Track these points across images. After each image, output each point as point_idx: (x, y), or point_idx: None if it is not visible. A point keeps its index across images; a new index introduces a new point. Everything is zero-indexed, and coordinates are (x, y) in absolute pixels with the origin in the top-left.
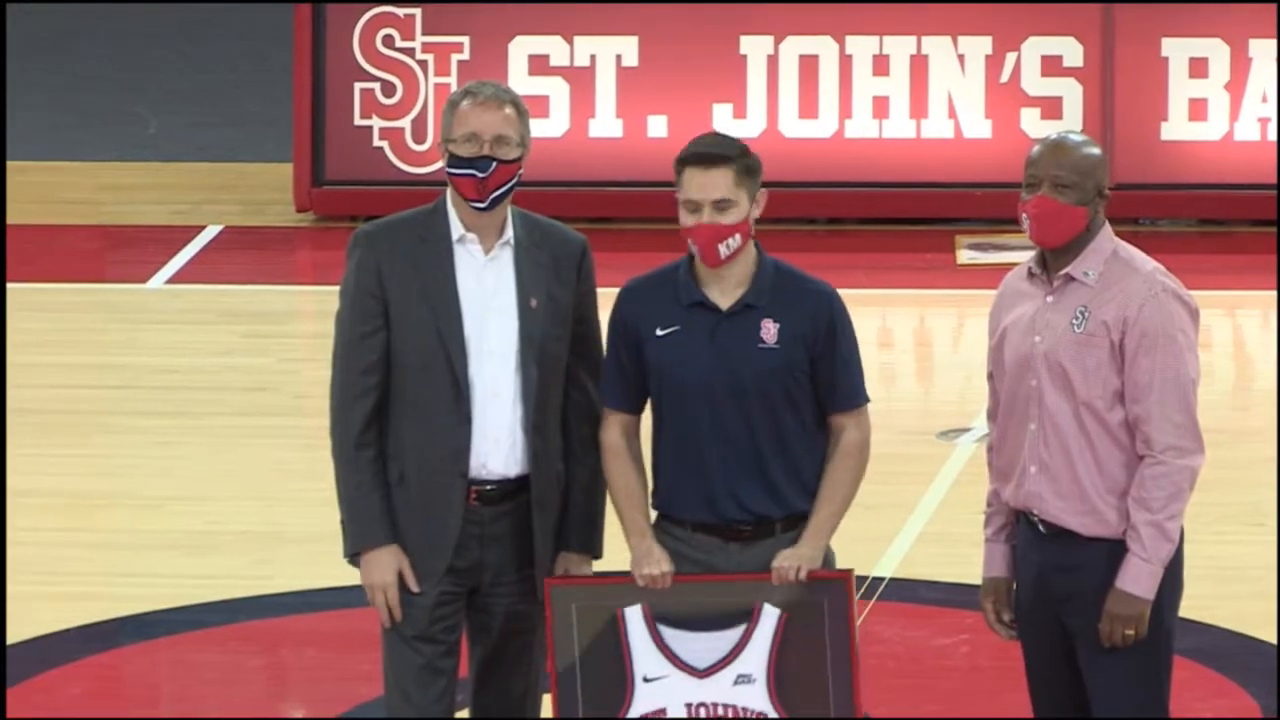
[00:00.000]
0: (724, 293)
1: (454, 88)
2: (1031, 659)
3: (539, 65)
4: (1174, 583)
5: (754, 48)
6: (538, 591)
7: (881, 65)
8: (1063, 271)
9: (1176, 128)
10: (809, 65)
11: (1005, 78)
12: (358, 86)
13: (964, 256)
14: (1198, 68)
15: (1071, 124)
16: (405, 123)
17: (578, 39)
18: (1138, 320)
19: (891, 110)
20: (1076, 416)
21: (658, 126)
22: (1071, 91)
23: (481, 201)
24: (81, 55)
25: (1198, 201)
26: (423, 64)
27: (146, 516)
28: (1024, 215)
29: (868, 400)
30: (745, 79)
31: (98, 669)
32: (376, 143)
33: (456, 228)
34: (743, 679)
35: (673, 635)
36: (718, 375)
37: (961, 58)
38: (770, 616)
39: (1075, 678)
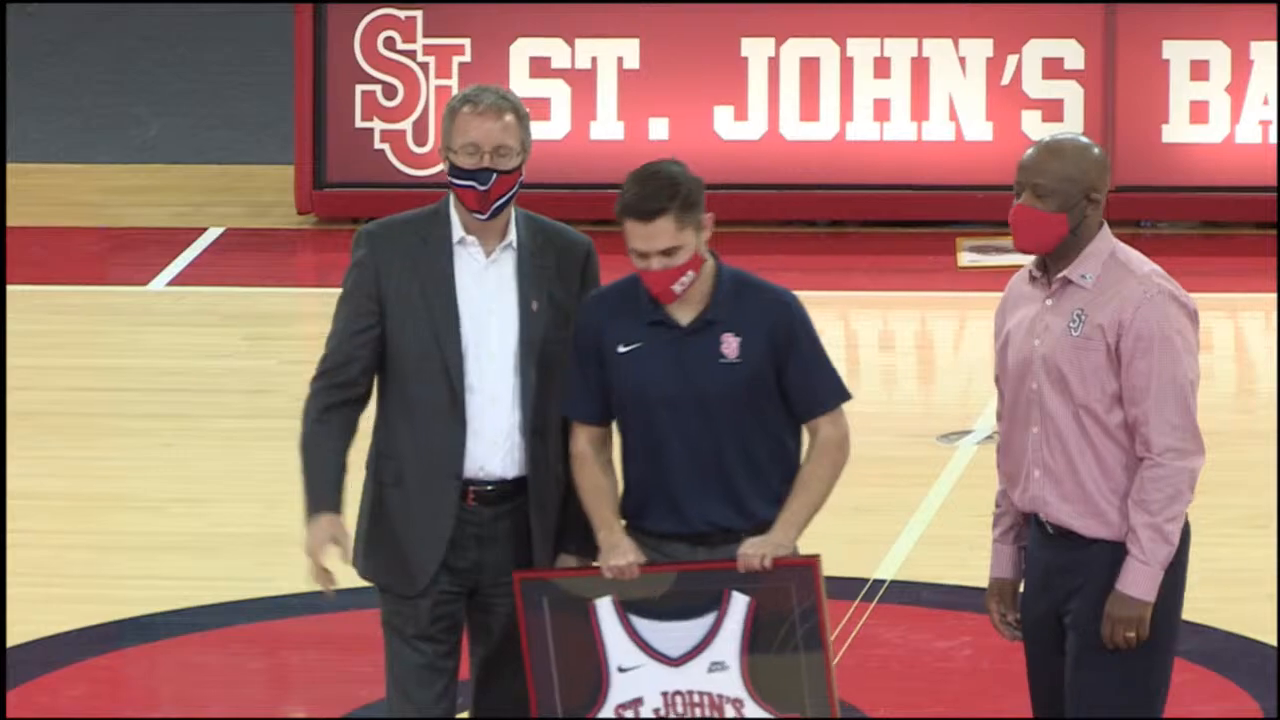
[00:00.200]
0: (684, 309)
1: (455, 90)
2: (1033, 660)
3: (540, 67)
4: (1172, 588)
5: (755, 50)
6: None
7: (883, 67)
8: (1060, 275)
9: (1178, 130)
10: (810, 67)
11: (1006, 80)
12: (359, 89)
13: (965, 259)
14: (1199, 70)
15: (1073, 126)
16: (407, 125)
17: (579, 41)
18: (1133, 323)
19: (893, 112)
20: (1076, 419)
21: (659, 129)
22: (1073, 94)
23: (483, 213)
24: (83, 58)
25: (1199, 204)
26: (424, 66)
27: (148, 518)
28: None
29: (842, 400)
30: (746, 81)
31: (99, 671)
32: (378, 145)
33: (457, 230)
34: (716, 666)
35: (645, 625)
36: (681, 392)
37: (963, 60)
38: (740, 603)
39: None
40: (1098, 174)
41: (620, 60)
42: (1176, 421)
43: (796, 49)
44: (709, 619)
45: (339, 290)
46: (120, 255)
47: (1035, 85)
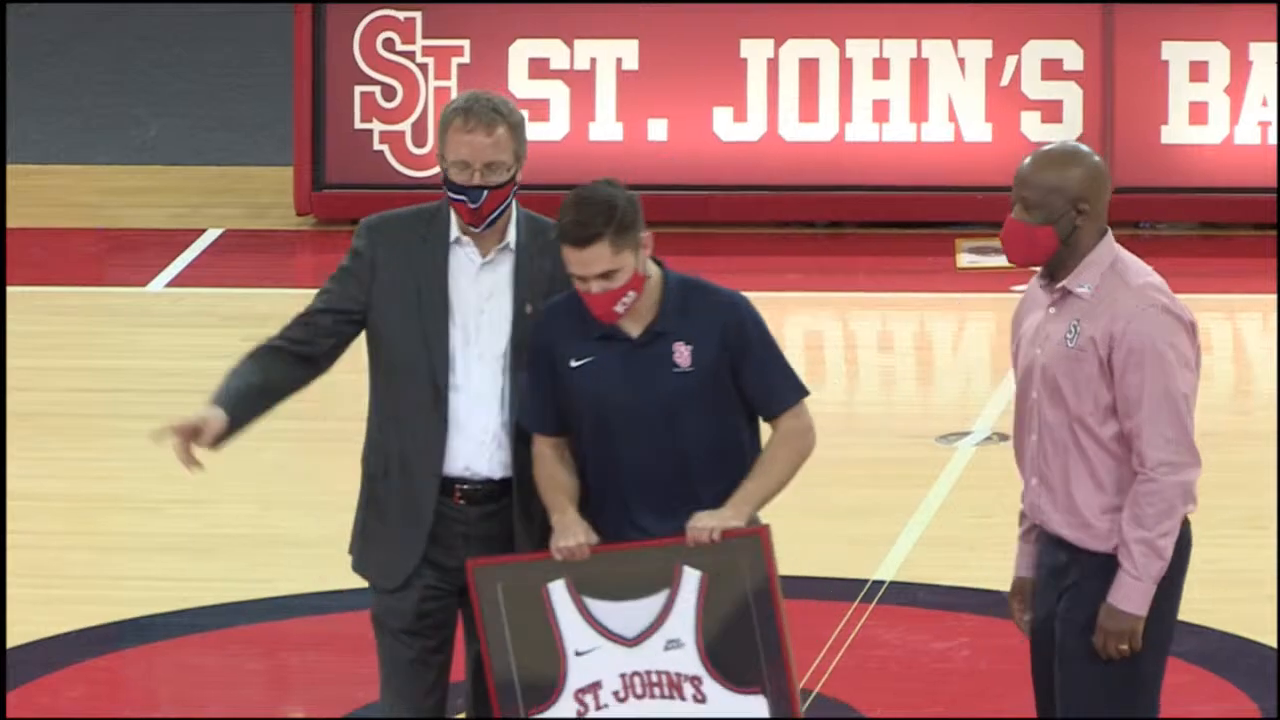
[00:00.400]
0: (633, 321)
1: (454, 91)
2: (1035, 661)
3: (539, 69)
4: (1165, 590)
5: (754, 51)
6: None
7: (882, 69)
8: (1060, 284)
9: (1177, 131)
10: (809, 69)
11: (1005, 81)
12: (358, 90)
13: (964, 260)
14: (1198, 71)
15: (1071, 127)
16: (406, 126)
17: (578, 42)
18: (1124, 336)
19: (892, 114)
20: (1070, 430)
21: (658, 130)
22: (1072, 95)
23: (476, 226)
24: (82, 59)
25: (1198, 205)
26: (423, 67)
27: (147, 520)
28: None
29: (800, 397)
30: (745, 82)
31: (98, 672)
32: (377, 146)
33: (455, 230)
34: (673, 644)
35: (598, 606)
36: (637, 404)
37: (962, 61)
38: (691, 579)
39: None
40: (1086, 184)
41: (619, 61)
42: (1170, 435)
43: (795, 50)
44: (662, 596)
45: None
46: (119, 256)
47: (1034, 86)
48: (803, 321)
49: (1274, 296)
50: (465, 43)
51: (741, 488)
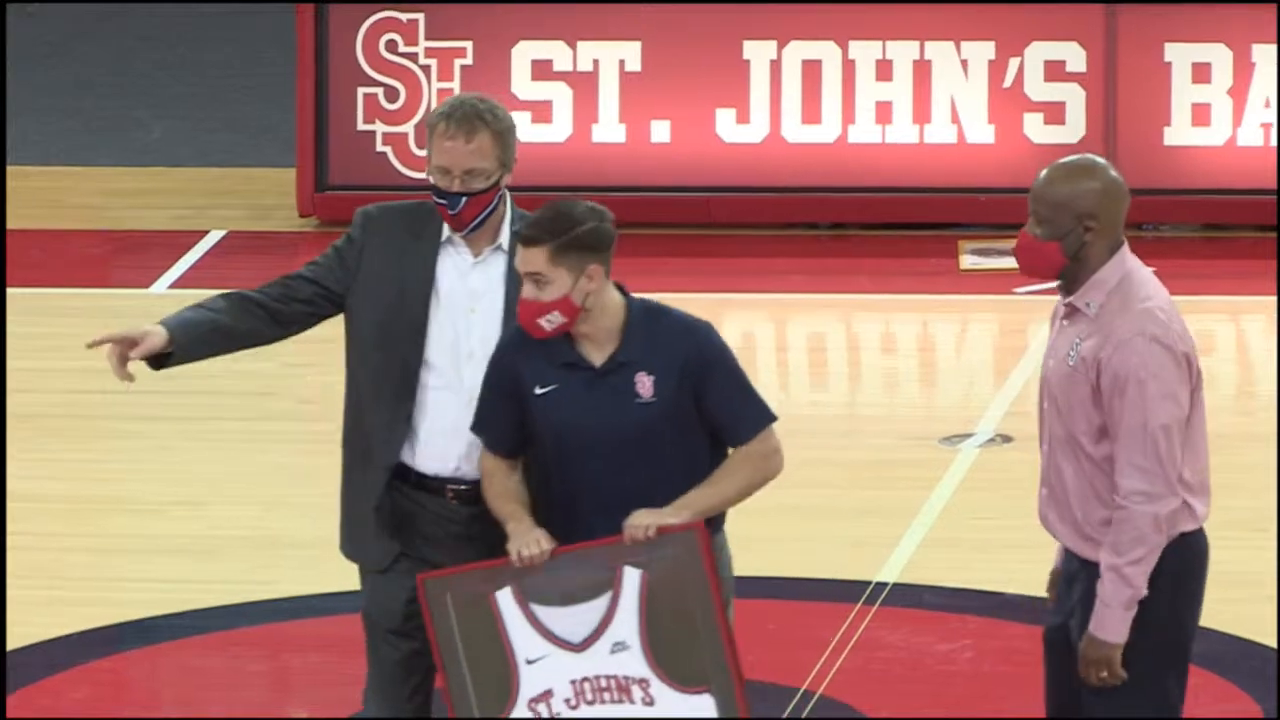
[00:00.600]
0: (596, 350)
1: (457, 93)
2: (1047, 665)
3: (542, 70)
4: (1174, 609)
5: (757, 52)
6: None
7: (885, 70)
8: (1068, 300)
9: (1179, 133)
10: (812, 70)
11: (1008, 83)
12: (361, 91)
13: (967, 262)
14: (1200, 73)
15: (1074, 129)
16: (408, 128)
17: (581, 44)
18: (1110, 362)
19: (894, 115)
20: (1069, 445)
21: (661, 131)
22: (1074, 96)
23: (458, 231)
24: (84, 60)
25: (1200, 206)
26: (426, 69)
27: (148, 521)
28: None
29: (764, 425)
30: (748, 84)
31: (100, 674)
32: (380, 148)
33: (447, 230)
34: (619, 646)
35: (545, 613)
36: (598, 434)
37: (965, 63)
38: (632, 579)
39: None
40: (1096, 201)
41: (622, 63)
42: (1144, 465)
43: (798, 51)
44: (606, 599)
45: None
46: (121, 258)
47: (1037, 88)
48: (805, 323)
49: (1275, 298)
50: (468, 44)
51: (689, 493)
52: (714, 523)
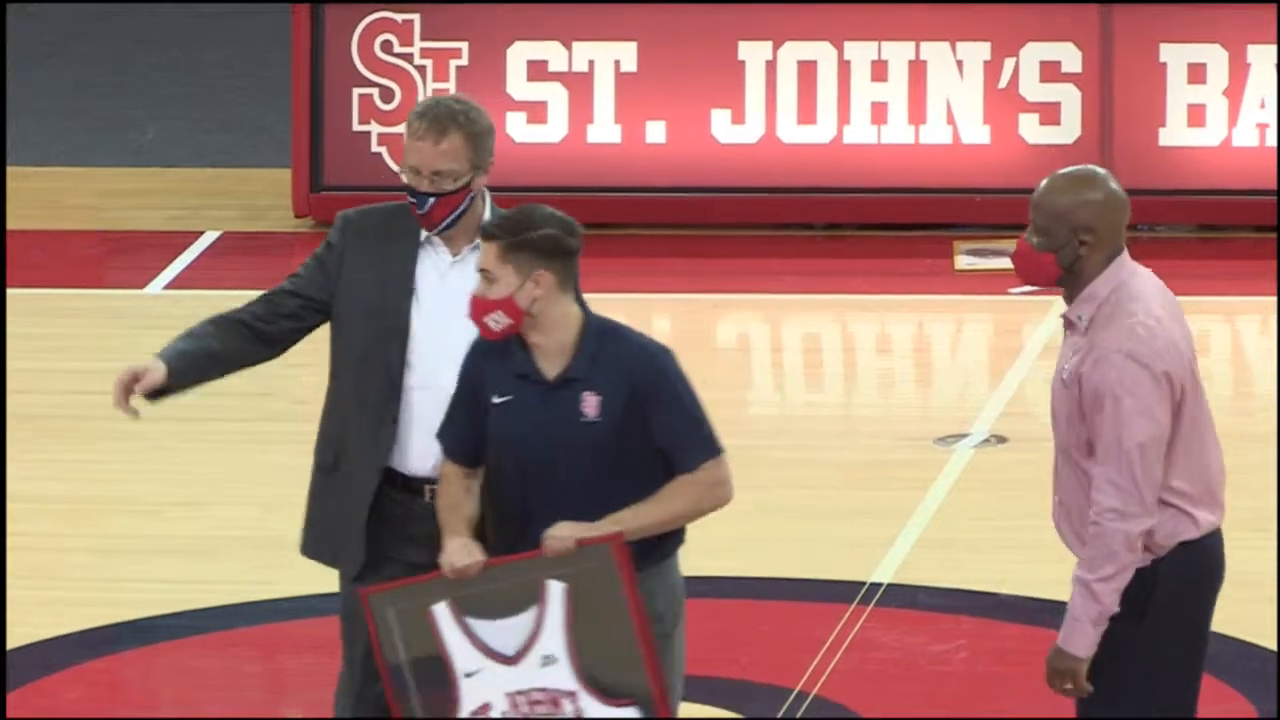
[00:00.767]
0: (549, 364)
1: (452, 94)
2: None
3: (537, 71)
4: (1170, 621)
5: (752, 53)
6: None
7: (880, 71)
8: (1063, 313)
9: (1175, 133)
10: (807, 71)
11: (1004, 83)
12: (356, 92)
13: (962, 262)
14: (1196, 73)
15: (1070, 129)
16: (404, 128)
17: (576, 44)
18: (1089, 378)
19: (890, 116)
20: (1068, 457)
21: (656, 132)
22: (1070, 97)
23: (430, 230)
24: (80, 60)
25: (1196, 207)
26: (421, 69)
27: (146, 522)
28: None
29: (708, 457)
30: (743, 84)
31: (98, 674)
32: (375, 148)
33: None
34: (548, 660)
35: (481, 626)
36: (545, 450)
37: (960, 63)
38: (557, 591)
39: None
40: (1093, 214)
41: (617, 63)
42: (1118, 482)
43: (794, 52)
44: (534, 612)
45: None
46: (118, 258)
47: (1032, 88)
48: (801, 323)
49: (1273, 298)
50: (463, 45)
51: (624, 510)
52: (663, 549)
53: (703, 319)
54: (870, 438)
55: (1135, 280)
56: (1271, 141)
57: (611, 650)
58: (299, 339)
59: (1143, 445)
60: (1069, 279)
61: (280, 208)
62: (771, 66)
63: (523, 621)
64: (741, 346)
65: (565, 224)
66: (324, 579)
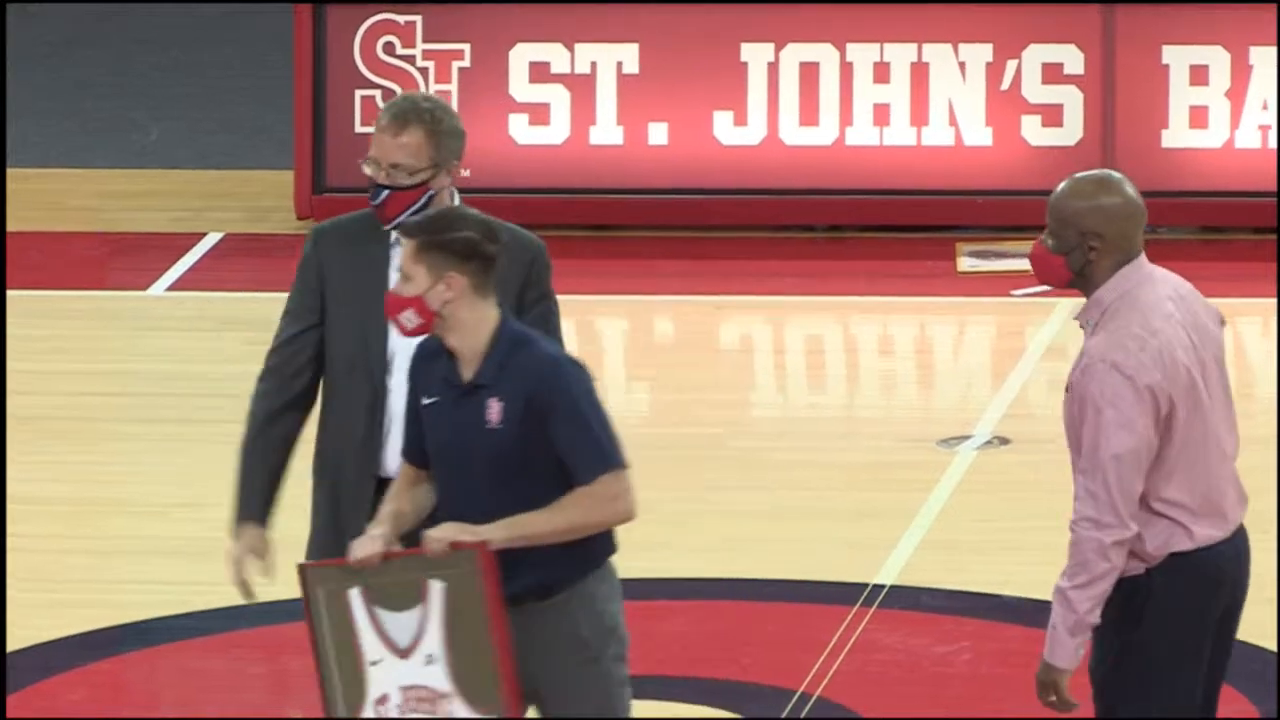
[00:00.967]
0: (466, 368)
1: (455, 95)
2: None
3: (540, 72)
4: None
5: (755, 55)
6: None
7: (882, 72)
8: (1075, 316)
9: (1177, 135)
10: (809, 72)
11: (1006, 85)
12: (358, 94)
13: (965, 264)
14: (1198, 75)
15: (1072, 131)
16: None
17: (578, 46)
18: (1077, 386)
19: (892, 117)
20: (1074, 461)
21: (658, 134)
22: (1072, 99)
23: (384, 224)
24: (82, 62)
25: (1198, 209)
26: (423, 71)
27: (148, 523)
28: None
29: (604, 471)
30: (746, 86)
31: (99, 676)
32: None
33: (396, 232)
34: (430, 659)
35: (385, 616)
36: (458, 454)
37: (962, 65)
38: (436, 591)
39: None
40: (1103, 220)
41: (620, 65)
42: (1095, 491)
43: (796, 54)
44: (419, 609)
45: None
46: (119, 260)
47: (1035, 90)
48: (803, 325)
49: (1274, 300)
50: (466, 46)
51: (518, 515)
52: (583, 565)
53: (705, 320)
54: (873, 439)
55: (1145, 288)
56: (1273, 143)
57: (477, 658)
58: (324, 367)
59: (1119, 457)
60: (1080, 282)
61: (282, 209)
62: (774, 68)
63: (412, 616)
64: (744, 348)
65: (488, 230)
66: None
